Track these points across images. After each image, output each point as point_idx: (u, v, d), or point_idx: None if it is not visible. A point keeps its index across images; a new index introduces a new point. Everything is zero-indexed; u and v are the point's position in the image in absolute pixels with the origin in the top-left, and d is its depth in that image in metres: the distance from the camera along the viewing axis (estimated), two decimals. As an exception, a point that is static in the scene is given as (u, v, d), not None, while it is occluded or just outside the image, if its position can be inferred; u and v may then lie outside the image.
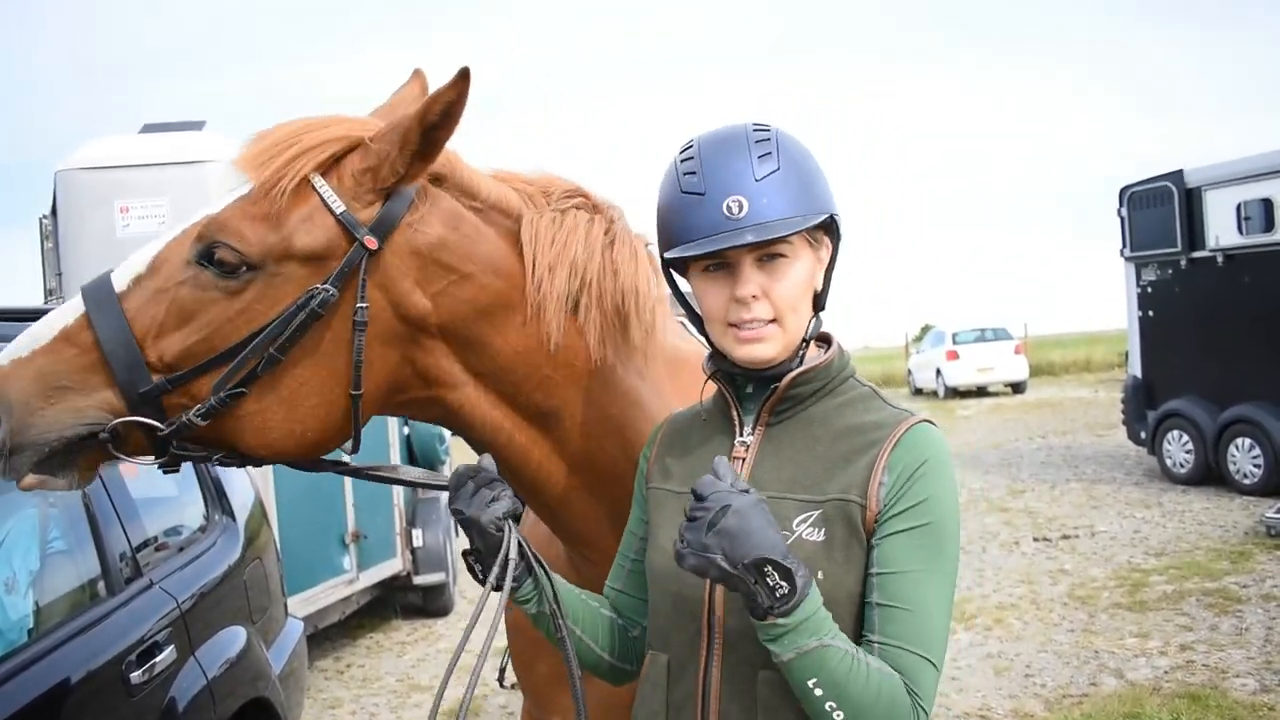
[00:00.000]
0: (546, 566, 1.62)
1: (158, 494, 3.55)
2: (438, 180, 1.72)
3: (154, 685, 2.80)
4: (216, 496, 3.73)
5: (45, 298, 5.86)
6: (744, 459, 1.59)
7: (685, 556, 1.37)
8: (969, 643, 6.34)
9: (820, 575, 1.46)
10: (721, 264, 1.54)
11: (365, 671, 6.74)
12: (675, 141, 1.65)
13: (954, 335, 25.13)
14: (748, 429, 1.61)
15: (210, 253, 1.59)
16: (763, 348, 1.53)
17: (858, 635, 1.47)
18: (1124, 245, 11.65)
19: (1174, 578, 7.46)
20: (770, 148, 1.54)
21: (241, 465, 1.74)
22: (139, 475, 3.37)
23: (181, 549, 3.39)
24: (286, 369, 1.61)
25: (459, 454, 10.03)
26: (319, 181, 1.62)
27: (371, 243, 1.61)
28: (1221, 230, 10.33)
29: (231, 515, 3.75)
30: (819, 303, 1.61)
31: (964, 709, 5.30)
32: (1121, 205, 11.60)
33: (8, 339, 1.62)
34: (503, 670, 2.43)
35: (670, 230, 1.57)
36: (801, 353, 1.59)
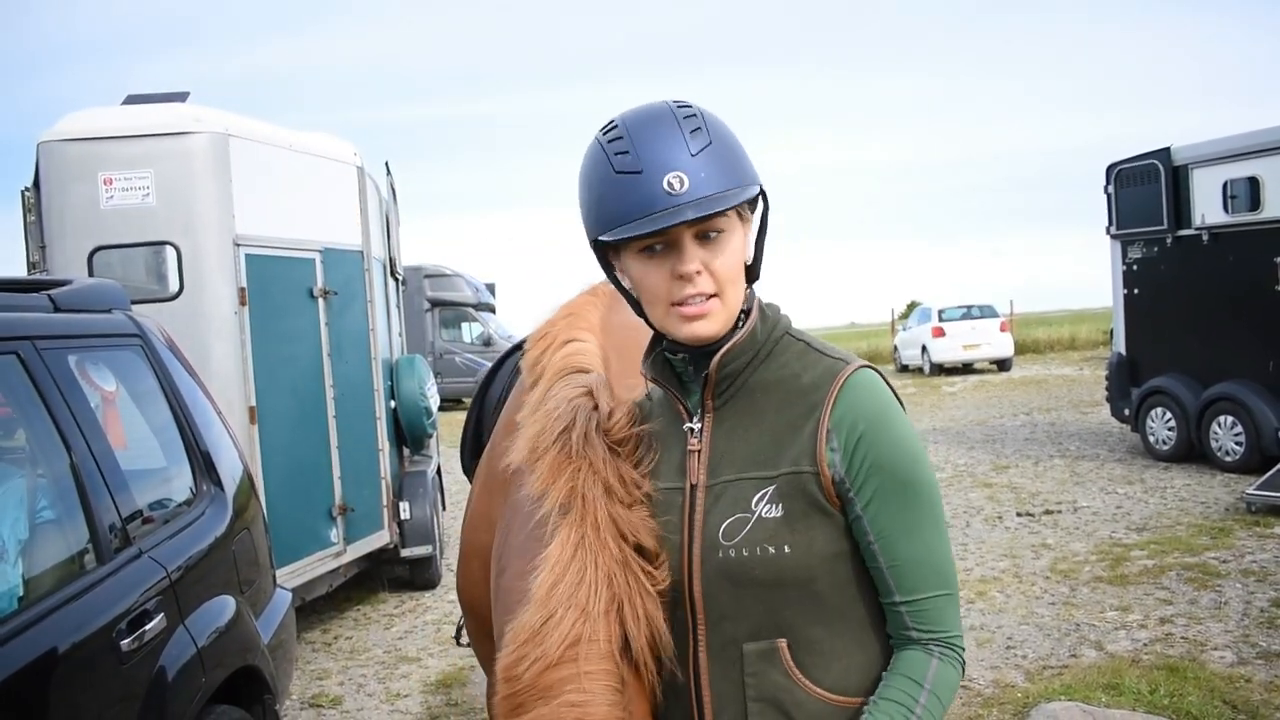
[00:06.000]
0: None
1: (147, 465, 3.55)
2: None
3: (144, 653, 2.82)
4: (205, 468, 3.73)
5: (28, 270, 5.82)
6: (698, 449, 1.60)
7: None
8: (952, 616, 6.41)
9: (787, 549, 1.49)
10: (660, 244, 1.51)
11: (353, 643, 6.78)
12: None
13: (940, 312, 25.21)
14: (695, 416, 1.62)
15: None
16: (706, 324, 1.52)
17: (845, 580, 1.54)
18: (1110, 223, 11.68)
19: (1155, 552, 7.54)
20: (699, 123, 1.51)
21: None
22: (127, 447, 3.38)
23: (170, 519, 3.39)
24: None
25: (446, 429, 10.05)
26: None
27: None
28: (1207, 208, 10.37)
29: (220, 486, 3.75)
30: (753, 273, 1.60)
31: (946, 680, 5.36)
32: (1108, 183, 11.62)
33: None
34: (459, 629, 2.46)
35: (605, 212, 1.51)
36: (740, 324, 1.58)
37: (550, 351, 2.00)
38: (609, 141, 1.52)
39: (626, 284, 1.61)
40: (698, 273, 1.49)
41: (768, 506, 1.50)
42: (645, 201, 1.46)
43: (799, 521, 1.49)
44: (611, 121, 1.55)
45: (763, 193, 1.57)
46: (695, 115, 1.52)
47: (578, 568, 1.58)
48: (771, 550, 1.49)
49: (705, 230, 1.50)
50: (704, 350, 1.57)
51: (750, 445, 1.55)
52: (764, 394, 1.57)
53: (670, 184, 1.45)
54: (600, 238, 1.53)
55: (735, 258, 1.53)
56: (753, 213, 1.60)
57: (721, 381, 1.58)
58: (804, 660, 1.52)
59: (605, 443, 1.69)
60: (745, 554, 1.50)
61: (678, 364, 1.63)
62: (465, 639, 2.49)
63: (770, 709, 1.51)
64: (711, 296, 1.51)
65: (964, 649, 1.54)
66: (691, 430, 1.61)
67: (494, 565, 1.98)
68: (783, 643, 1.51)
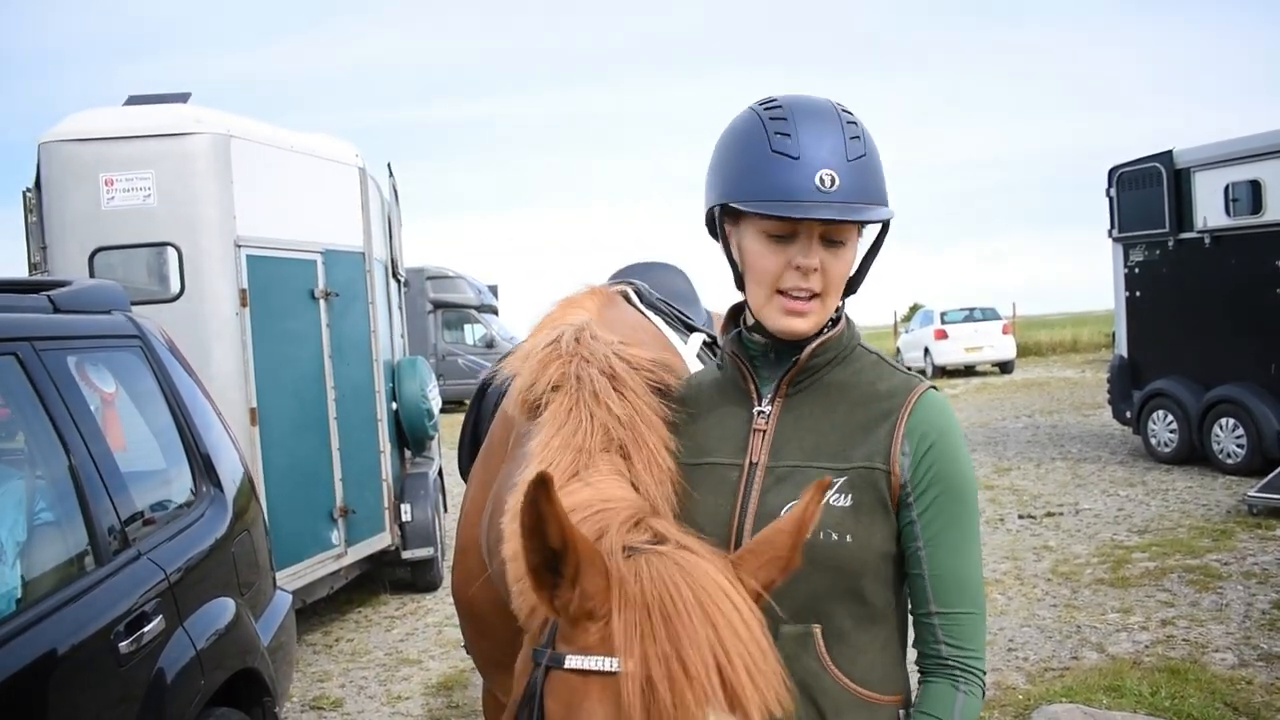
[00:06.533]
0: None
1: (146, 466, 3.54)
2: None
3: (142, 655, 2.81)
4: (205, 470, 3.72)
5: (29, 271, 5.83)
6: (764, 430, 1.63)
7: None
8: (953, 618, 6.40)
9: (849, 539, 1.53)
10: (789, 231, 1.54)
11: (354, 645, 6.77)
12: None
13: (943, 315, 25.20)
14: (765, 400, 1.65)
15: None
16: (803, 321, 1.57)
17: (886, 581, 1.59)
18: (1112, 226, 11.68)
19: (1156, 555, 7.53)
20: (859, 131, 1.56)
21: None
22: (127, 448, 3.38)
23: (170, 521, 3.39)
24: None
25: (448, 431, 10.04)
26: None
27: None
28: (1209, 211, 10.36)
29: (220, 488, 3.75)
30: (853, 286, 1.66)
31: (947, 683, 5.36)
32: (1110, 186, 11.62)
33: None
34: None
35: (749, 183, 1.54)
36: (827, 328, 1.63)
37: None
38: (771, 119, 1.55)
39: (735, 255, 1.64)
40: (814, 270, 1.54)
41: (837, 495, 1.55)
42: (795, 188, 1.51)
43: (864, 515, 1.54)
44: (774, 100, 1.59)
45: (887, 220, 1.62)
46: (856, 124, 1.57)
47: (574, 422, 1.60)
48: (835, 537, 1.53)
49: (832, 234, 1.55)
50: (790, 342, 1.61)
51: (819, 436, 1.60)
52: (838, 392, 1.63)
53: (822, 179, 1.50)
54: (736, 204, 1.55)
55: (846, 267, 1.59)
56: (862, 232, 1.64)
57: (804, 372, 1.62)
58: (835, 649, 1.56)
59: (608, 349, 1.71)
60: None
61: (755, 346, 1.67)
62: None
63: (799, 691, 1.52)
64: (814, 296, 1.56)
65: (985, 671, 1.58)
66: (761, 412, 1.64)
67: (486, 512, 1.96)
68: (818, 629, 1.55)
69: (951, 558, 1.55)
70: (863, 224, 1.56)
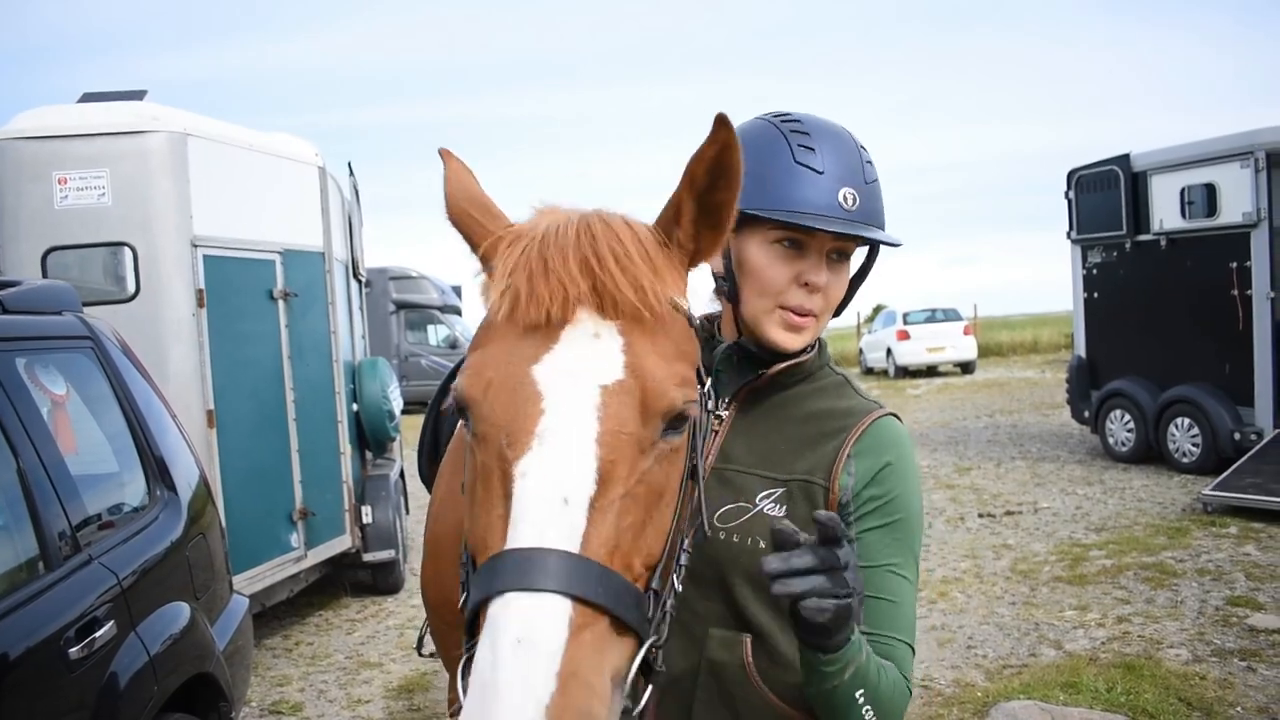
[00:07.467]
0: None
1: (98, 470, 3.49)
2: None
3: (94, 661, 2.77)
4: (159, 473, 3.67)
5: (-18, 272, 5.71)
6: (717, 431, 1.63)
7: (832, 609, 1.27)
8: (914, 617, 6.46)
9: None
10: (796, 243, 1.55)
11: (314, 649, 6.71)
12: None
13: (905, 315, 25.41)
14: (722, 404, 1.65)
15: (680, 418, 1.30)
16: (798, 338, 1.58)
17: None
18: (1070, 228, 11.82)
19: (1113, 552, 7.64)
20: (869, 159, 1.61)
21: None
22: (78, 452, 3.32)
23: (122, 525, 3.34)
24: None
25: (410, 432, 9.96)
26: (680, 299, 1.39)
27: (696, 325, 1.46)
28: (1166, 214, 10.52)
29: (174, 491, 3.70)
30: (840, 308, 1.67)
31: (908, 681, 5.40)
32: (1069, 188, 11.77)
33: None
34: (421, 638, 2.43)
35: (769, 192, 1.54)
36: (806, 351, 1.64)
37: None
38: (792, 131, 1.57)
39: (732, 263, 1.59)
40: (821, 288, 1.56)
41: (773, 505, 1.55)
42: (818, 201, 1.53)
43: (799, 527, 1.51)
44: (792, 115, 1.60)
45: (878, 246, 1.65)
46: (866, 151, 1.61)
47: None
48: (763, 545, 1.52)
49: (841, 250, 1.57)
50: (765, 357, 1.61)
51: (768, 446, 1.60)
52: (794, 407, 1.63)
53: (845, 197, 1.54)
54: (756, 212, 1.53)
55: (841, 291, 1.61)
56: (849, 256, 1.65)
57: (767, 385, 1.63)
58: (762, 664, 1.54)
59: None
60: (736, 540, 1.55)
61: (720, 352, 1.65)
62: (427, 649, 2.44)
63: (717, 698, 1.53)
64: (813, 315, 1.57)
65: (912, 692, 1.52)
66: (716, 415, 1.64)
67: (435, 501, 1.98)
68: (748, 639, 1.54)
69: (884, 581, 1.51)
70: (877, 244, 1.60)
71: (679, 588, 1.34)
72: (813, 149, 1.55)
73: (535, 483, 1.18)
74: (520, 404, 1.23)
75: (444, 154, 1.47)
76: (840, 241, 1.55)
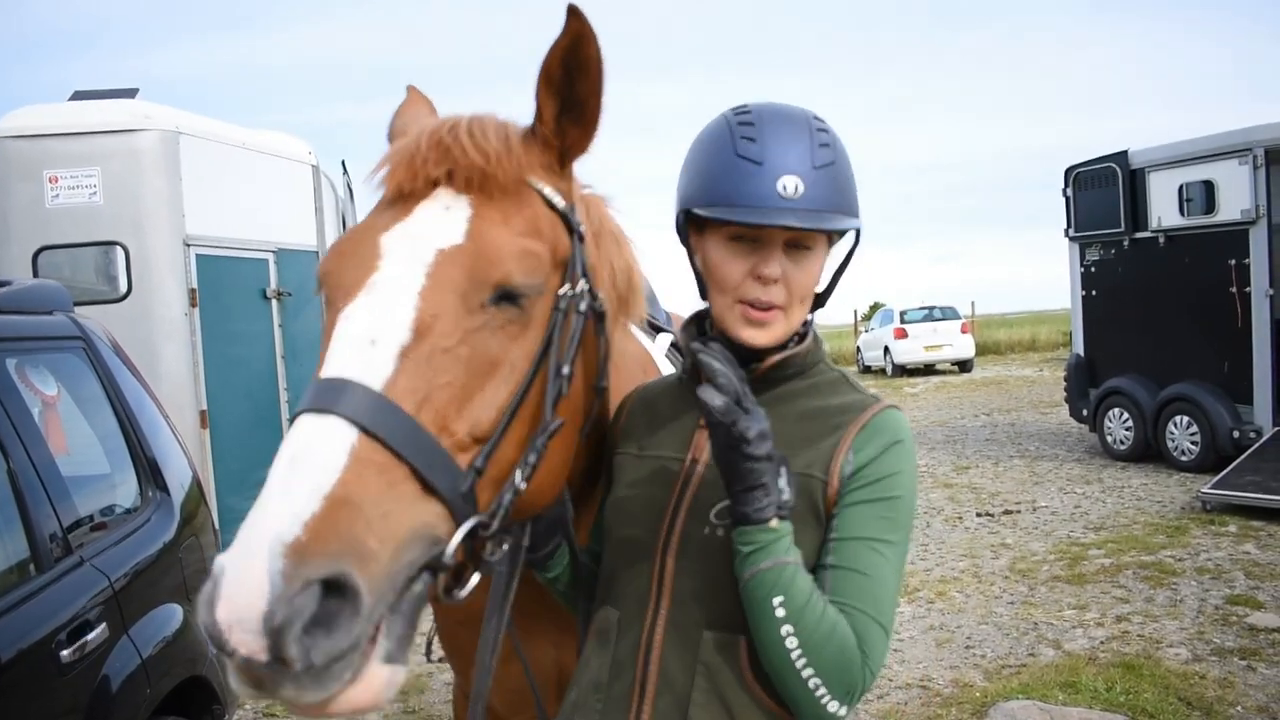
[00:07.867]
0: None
1: (90, 471, 3.46)
2: None
3: (86, 664, 2.74)
4: (151, 474, 3.64)
5: (-26, 271, 5.68)
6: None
7: (742, 419, 1.37)
8: (912, 615, 6.43)
9: None
10: (751, 238, 1.51)
11: (310, 650, 6.67)
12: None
13: (902, 314, 25.39)
14: None
15: (512, 289, 1.38)
16: (764, 332, 1.53)
17: None
18: (1069, 225, 11.81)
19: (1112, 551, 7.62)
20: (829, 139, 1.53)
21: (533, 557, 1.66)
22: (69, 453, 3.29)
23: (114, 526, 3.31)
24: (573, 384, 1.52)
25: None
26: (536, 181, 1.51)
27: (580, 229, 1.56)
28: (1164, 211, 10.51)
29: (167, 492, 3.67)
30: (820, 300, 1.62)
31: (906, 680, 5.37)
32: (1067, 185, 11.75)
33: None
34: (429, 644, 2.40)
35: (712, 188, 1.51)
36: (792, 343, 1.60)
37: None
38: (739, 124, 1.52)
39: (698, 263, 1.60)
40: (775, 280, 1.50)
41: None
42: (755, 193, 1.47)
43: (795, 523, 1.47)
44: (745, 106, 1.56)
45: (858, 231, 1.59)
46: (827, 132, 1.54)
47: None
48: None
49: (797, 241, 1.51)
50: (751, 350, 1.57)
51: None
52: (788, 405, 1.58)
53: (785, 186, 1.47)
54: (696, 210, 1.52)
55: (812, 278, 1.55)
56: (833, 244, 1.61)
57: (759, 382, 1.58)
58: (759, 667, 1.48)
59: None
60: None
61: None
62: (436, 654, 2.41)
63: (715, 701, 1.48)
64: (777, 308, 1.52)
65: (874, 675, 1.45)
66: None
67: None
68: (743, 641, 1.48)
69: (861, 554, 1.45)
70: (827, 233, 1.52)
71: (522, 486, 1.39)
72: (754, 140, 1.49)
73: (349, 324, 1.30)
74: (360, 264, 1.35)
75: (408, 89, 1.73)
76: (792, 232, 1.49)
